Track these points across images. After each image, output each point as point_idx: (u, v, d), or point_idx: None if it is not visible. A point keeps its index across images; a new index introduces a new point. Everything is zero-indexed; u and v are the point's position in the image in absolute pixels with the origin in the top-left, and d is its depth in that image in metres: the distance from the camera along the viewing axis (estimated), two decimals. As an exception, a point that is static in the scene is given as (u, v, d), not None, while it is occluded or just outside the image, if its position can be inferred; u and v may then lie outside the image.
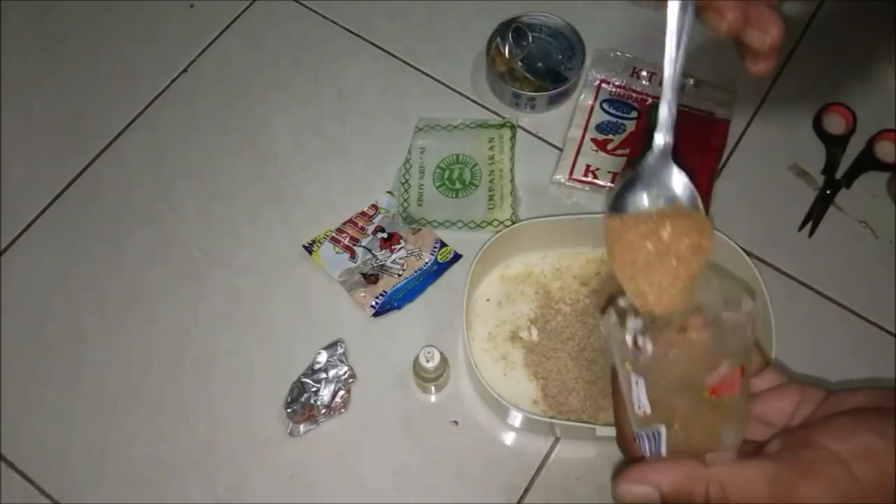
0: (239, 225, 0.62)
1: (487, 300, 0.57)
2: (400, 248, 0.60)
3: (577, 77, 0.64)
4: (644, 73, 0.65)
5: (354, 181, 0.63)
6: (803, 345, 0.56)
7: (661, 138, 0.34)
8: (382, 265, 0.59)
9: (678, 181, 0.34)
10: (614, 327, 0.33)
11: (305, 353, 0.56)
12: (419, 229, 0.60)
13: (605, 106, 0.64)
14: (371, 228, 0.61)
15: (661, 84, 0.34)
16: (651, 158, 0.35)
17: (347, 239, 0.60)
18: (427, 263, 0.59)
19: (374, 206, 0.62)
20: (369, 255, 0.59)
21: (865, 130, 0.63)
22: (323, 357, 0.55)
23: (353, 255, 0.59)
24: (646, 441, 0.32)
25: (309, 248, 0.60)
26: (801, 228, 0.61)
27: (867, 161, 0.62)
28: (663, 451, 0.31)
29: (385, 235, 0.60)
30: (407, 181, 0.63)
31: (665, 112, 0.33)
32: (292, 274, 0.60)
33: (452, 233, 0.60)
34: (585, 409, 0.54)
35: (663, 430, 0.31)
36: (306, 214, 0.62)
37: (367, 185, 0.63)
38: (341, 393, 0.54)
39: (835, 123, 0.63)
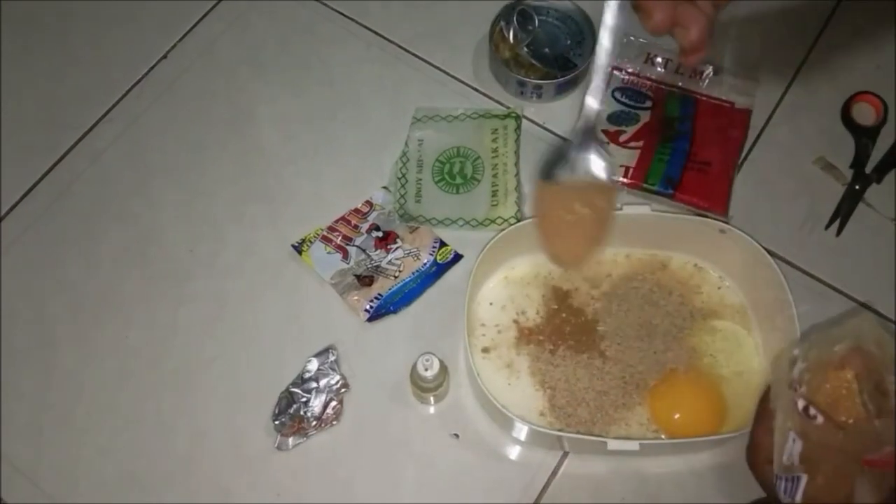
0: (223, 223, 0.61)
1: (491, 303, 0.56)
2: (396, 248, 0.58)
3: (587, 64, 0.63)
4: (659, 60, 0.63)
5: (347, 176, 0.62)
6: (831, 353, 0.54)
7: (593, 103, 0.40)
8: (377, 266, 0.57)
9: (597, 159, 0.42)
10: (783, 380, 0.40)
11: (295, 361, 0.54)
12: (417, 228, 0.59)
13: (618, 95, 0.63)
14: (365, 227, 0.59)
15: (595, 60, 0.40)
16: (579, 130, 0.41)
17: (340, 238, 0.59)
18: (425, 264, 0.58)
19: (369, 203, 0.60)
20: (363, 256, 0.58)
21: (897, 121, 0.63)
22: (313, 365, 0.54)
23: (345, 256, 0.58)
24: (783, 483, 0.38)
25: (298, 248, 0.59)
26: (828, 226, 0.59)
27: (899, 154, 0.61)
28: (798, 497, 0.37)
29: (380, 234, 0.59)
30: (404, 176, 0.61)
31: (598, 82, 0.39)
32: (280, 276, 0.59)
33: (453, 231, 0.59)
34: (596, 421, 0.52)
35: (804, 479, 0.37)
36: (295, 212, 0.61)
37: (361, 181, 0.62)
38: (333, 404, 0.53)
39: (864, 114, 0.62)
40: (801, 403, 0.40)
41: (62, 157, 0.63)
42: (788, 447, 0.39)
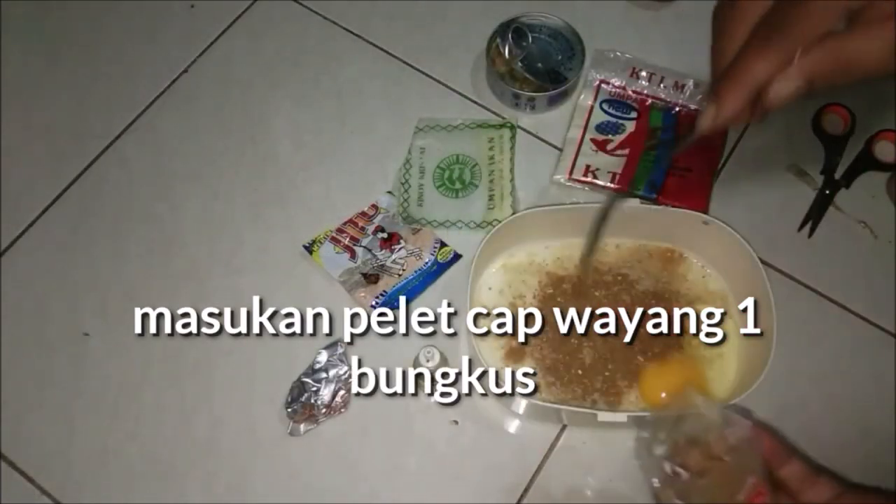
0: (239, 225, 0.62)
1: (489, 288, 0.58)
2: (400, 248, 0.60)
3: (577, 77, 0.64)
4: (643, 74, 0.65)
5: (354, 181, 0.63)
6: (803, 345, 0.56)
7: None
8: (382, 265, 0.59)
9: None
10: (648, 455, 0.44)
11: (306, 353, 0.56)
12: (419, 229, 0.61)
13: (605, 106, 0.64)
14: (371, 228, 0.61)
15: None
16: None
17: (348, 239, 0.60)
18: (427, 263, 0.59)
19: (375, 206, 0.62)
20: (369, 255, 0.60)
21: (864, 130, 0.63)
22: (323, 357, 0.55)
23: (353, 255, 0.60)
24: None
25: (309, 248, 0.60)
26: (800, 229, 0.61)
27: (866, 161, 0.62)
28: None
29: (385, 235, 0.60)
30: (407, 181, 0.63)
31: None
32: (293, 274, 0.60)
33: (452, 233, 0.61)
34: (587, 397, 0.54)
35: None
36: (306, 214, 0.62)
37: (367, 185, 0.63)
38: (341, 393, 0.55)
39: (834, 124, 0.63)
40: (668, 468, 0.42)
41: (91, 163, 0.64)
42: None
